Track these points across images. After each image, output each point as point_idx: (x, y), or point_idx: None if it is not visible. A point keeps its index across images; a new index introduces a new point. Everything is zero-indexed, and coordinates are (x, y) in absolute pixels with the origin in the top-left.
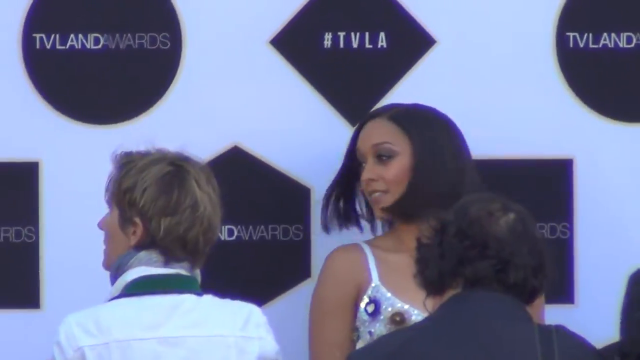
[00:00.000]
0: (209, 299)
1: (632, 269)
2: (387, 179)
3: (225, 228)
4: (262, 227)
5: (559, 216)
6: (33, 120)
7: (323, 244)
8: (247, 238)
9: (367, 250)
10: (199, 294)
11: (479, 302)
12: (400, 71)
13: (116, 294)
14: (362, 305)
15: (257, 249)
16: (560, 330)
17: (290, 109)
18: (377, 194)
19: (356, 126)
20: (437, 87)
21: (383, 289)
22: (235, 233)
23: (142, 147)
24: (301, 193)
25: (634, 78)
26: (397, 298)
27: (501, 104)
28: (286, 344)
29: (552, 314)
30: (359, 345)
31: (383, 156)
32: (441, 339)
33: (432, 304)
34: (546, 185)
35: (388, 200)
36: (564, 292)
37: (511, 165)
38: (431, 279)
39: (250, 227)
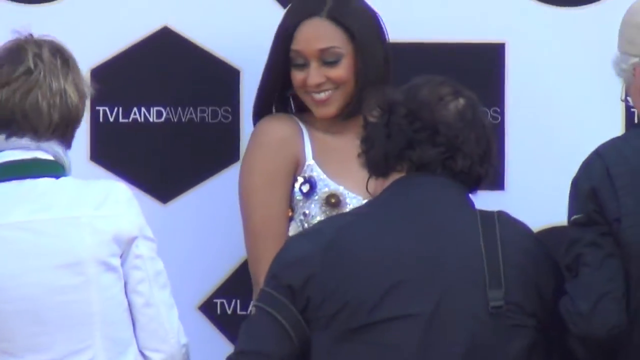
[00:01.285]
0: (66, 181)
1: (564, 155)
2: (335, 80)
3: (153, 109)
4: (191, 108)
5: (490, 100)
6: None
7: (252, 126)
8: (175, 120)
9: (302, 125)
10: (57, 177)
11: (424, 187)
12: None
13: None
14: (297, 185)
15: (185, 131)
16: (501, 216)
17: None
18: (324, 94)
19: (288, 24)
20: None
21: (318, 169)
22: (164, 115)
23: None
24: (230, 74)
25: None
26: (332, 180)
27: None
28: (215, 226)
29: (482, 199)
30: (292, 227)
31: (329, 59)
32: (382, 223)
33: (374, 186)
34: (477, 69)
35: (336, 98)
36: (494, 178)
37: (442, 50)
38: (376, 159)
39: (179, 108)
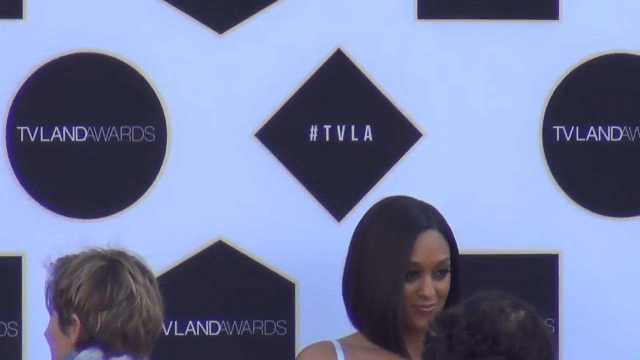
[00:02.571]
0: None
1: None
2: (442, 292)
3: (209, 323)
4: (247, 322)
5: (544, 311)
6: (17, 213)
7: (308, 339)
8: (231, 333)
9: (339, 348)
10: None
11: None
12: (387, 164)
13: None
14: None
15: (241, 344)
16: None
17: (275, 203)
18: (429, 308)
19: (405, 236)
20: (424, 180)
21: None
22: (220, 328)
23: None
24: (286, 288)
25: (621, 172)
26: None
27: (487, 197)
28: None
29: None
30: None
31: (440, 272)
32: None
33: None
34: (532, 279)
35: (435, 311)
36: None
37: (497, 260)
38: None
39: (235, 322)
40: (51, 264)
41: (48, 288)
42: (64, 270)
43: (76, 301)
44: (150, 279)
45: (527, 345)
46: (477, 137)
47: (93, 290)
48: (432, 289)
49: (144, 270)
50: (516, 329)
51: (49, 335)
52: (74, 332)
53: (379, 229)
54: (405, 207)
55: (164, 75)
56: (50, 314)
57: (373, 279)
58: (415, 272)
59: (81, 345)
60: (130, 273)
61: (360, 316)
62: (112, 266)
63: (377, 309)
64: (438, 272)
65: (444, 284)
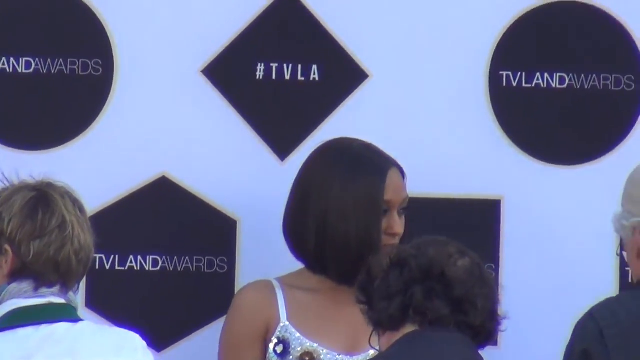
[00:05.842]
0: (84, 326)
1: (557, 312)
2: (401, 233)
3: (150, 258)
4: (187, 258)
5: (485, 256)
6: None
7: (248, 276)
8: (171, 269)
9: (278, 287)
10: (74, 321)
11: (437, 342)
12: (332, 104)
13: None
14: (271, 346)
15: (181, 280)
16: None
17: (220, 140)
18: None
19: (375, 174)
20: (369, 121)
21: (292, 329)
22: (160, 263)
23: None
24: (228, 225)
25: (566, 119)
26: (305, 337)
27: (431, 141)
28: None
29: None
30: None
31: (403, 209)
32: None
33: (381, 340)
34: (473, 224)
35: None
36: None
37: (439, 204)
38: (389, 312)
39: (175, 257)
40: None
41: None
42: None
43: (8, 231)
44: (80, 208)
45: (477, 291)
46: (423, 80)
47: (25, 219)
48: (401, 226)
49: (74, 200)
50: (465, 275)
51: None
52: (7, 263)
53: (344, 169)
54: (366, 146)
55: (113, 9)
56: None
57: (345, 219)
58: (384, 211)
59: (14, 275)
60: (62, 202)
61: (326, 257)
62: (43, 195)
63: (353, 248)
64: (401, 210)
65: (403, 222)
